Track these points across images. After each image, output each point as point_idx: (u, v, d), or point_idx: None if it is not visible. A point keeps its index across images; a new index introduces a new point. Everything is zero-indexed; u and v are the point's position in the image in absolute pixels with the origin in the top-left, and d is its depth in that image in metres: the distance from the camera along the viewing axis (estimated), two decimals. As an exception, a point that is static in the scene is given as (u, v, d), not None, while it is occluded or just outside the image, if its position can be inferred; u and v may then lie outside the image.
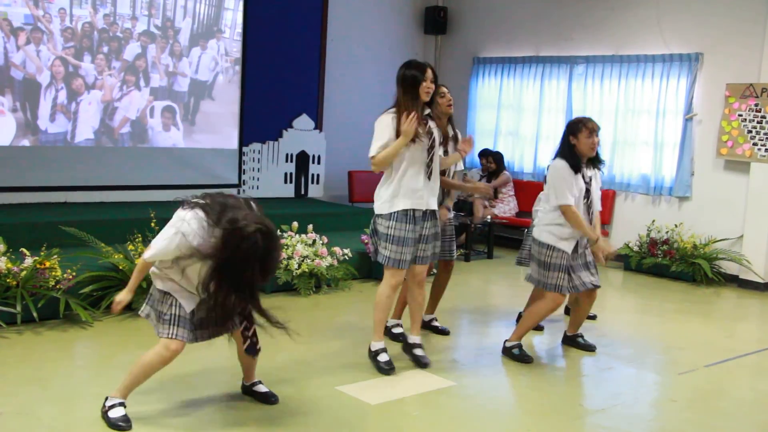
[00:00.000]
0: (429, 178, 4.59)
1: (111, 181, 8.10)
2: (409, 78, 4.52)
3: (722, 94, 8.17)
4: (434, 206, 4.69)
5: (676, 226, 8.40)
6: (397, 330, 5.34)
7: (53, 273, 5.29)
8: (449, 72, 10.76)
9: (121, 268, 5.65)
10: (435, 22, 10.58)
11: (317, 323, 5.79)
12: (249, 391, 4.12)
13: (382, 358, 4.63)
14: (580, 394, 4.66)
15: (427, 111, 4.65)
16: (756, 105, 7.92)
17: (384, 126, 4.51)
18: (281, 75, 9.31)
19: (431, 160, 4.58)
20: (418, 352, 4.82)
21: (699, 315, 6.83)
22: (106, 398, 3.73)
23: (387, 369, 4.58)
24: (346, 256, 6.93)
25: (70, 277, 5.38)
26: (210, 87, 8.75)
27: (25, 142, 7.56)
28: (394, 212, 4.53)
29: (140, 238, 5.91)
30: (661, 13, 8.61)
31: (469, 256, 8.71)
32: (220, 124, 8.86)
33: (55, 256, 5.40)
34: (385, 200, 4.57)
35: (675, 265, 8.07)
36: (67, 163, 7.79)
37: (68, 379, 4.40)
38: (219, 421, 3.87)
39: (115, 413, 3.66)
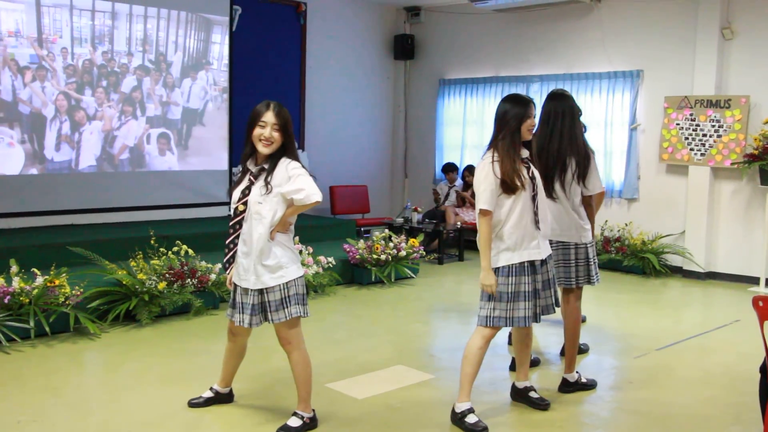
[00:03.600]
0: (537, 227, 3.75)
1: (113, 203, 8.02)
2: (512, 115, 3.71)
3: (661, 105, 8.28)
4: (546, 254, 3.83)
5: (626, 224, 8.49)
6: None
7: (62, 290, 5.23)
8: (417, 93, 10.82)
9: (124, 283, 5.60)
10: (403, 48, 10.62)
11: (306, 327, 5.72)
12: (230, 396, 4.05)
13: (471, 419, 3.70)
14: (547, 379, 4.67)
15: (526, 154, 3.80)
16: (691, 115, 8.03)
17: (485, 176, 3.70)
18: (265, 100, 9.26)
19: (537, 207, 3.76)
20: (533, 395, 4.09)
21: (649, 304, 6.90)
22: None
23: (481, 429, 3.67)
24: (330, 264, 6.92)
25: (78, 293, 5.32)
26: (201, 114, 8.71)
27: (34, 171, 7.47)
28: (502, 267, 3.71)
29: (141, 255, 5.88)
30: (605, 35, 8.72)
31: (442, 260, 8.73)
32: (210, 148, 8.81)
33: (64, 275, 5.34)
34: (504, 250, 3.72)
35: (627, 259, 8.15)
36: (73, 189, 7.71)
37: (79, 388, 4.36)
38: (213, 420, 3.85)
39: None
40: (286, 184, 3.49)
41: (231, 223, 3.58)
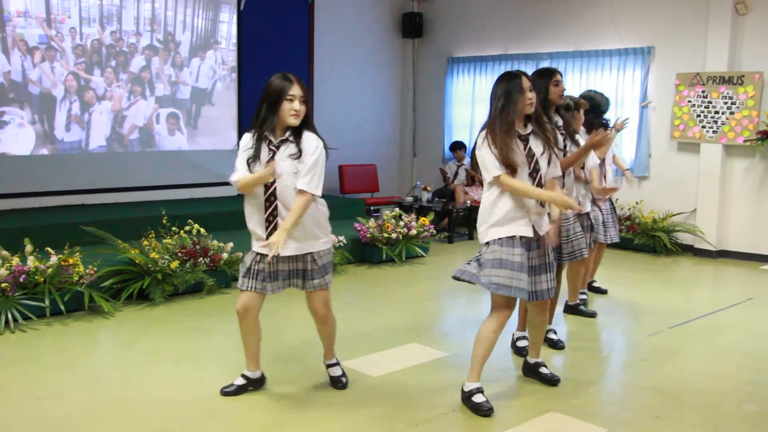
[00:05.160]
0: (540, 204, 3.68)
1: (123, 183, 8.02)
2: (503, 91, 3.61)
3: (673, 82, 8.20)
4: (543, 230, 3.71)
5: (637, 203, 8.44)
6: (522, 343, 4.56)
7: (76, 269, 5.24)
8: (426, 71, 10.74)
9: (137, 262, 5.61)
10: (412, 26, 10.53)
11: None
12: (262, 381, 3.95)
13: (477, 399, 3.68)
14: (560, 358, 4.65)
15: (529, 129, 3.68)
16: (703, 92, 7.95)
17: (484, 148, 3.61)
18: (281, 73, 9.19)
19: (539, 184, 3.65)
20: (544, 370, 4.11)
21: (661, 282, 6.88)
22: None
23: (486, 409, 3.64)
24: (341, 243, 6.91)
25: (92, 272, 5.33)
26: (209, 94, 8.66)
27: (44, 151, 7.46)
28: (502, 238, 3.62)
29: (153, 234, 5.88)
30: (615, 12, 8.61)
31: (452, 238, 8.71)
32: (220, 128, 8.78)
33: (77, 254, 5.35)
34: (492, 225, 3.66)
35: (637, 238, 8.11)
36: (83, 169, 7.71)
37: (96, 365, 4.37)
38: (231, 398, 3.86)
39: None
40: (307, 159, 3.51)
41: (266, 196, 3.52)
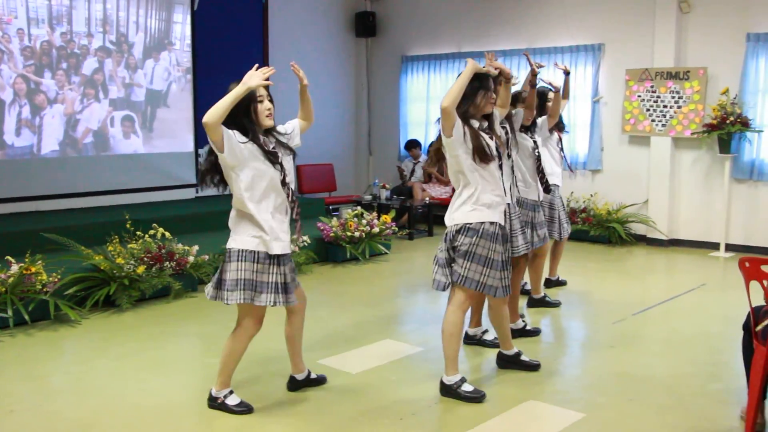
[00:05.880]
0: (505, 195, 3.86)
1: (77, 188, 7.80)
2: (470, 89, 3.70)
3: (623, 78, 8.44)
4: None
5: (591, 195, 8.66)
6: (488, 336, 4.68)
7: (39, 277, 5.10)
8: (380, 70, 10.78)
9: (102, 268, 5.49)
10: (365, 26, 10.55)
11: (288, 305, 5.75)
12: (305, 383, 3.92)
13: (467, 388, 3.77)
14: (533, 348, 4.71)
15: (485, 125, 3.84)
16: (651, 87, 8.21)
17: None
18: (229, 81, 9.01)
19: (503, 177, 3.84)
20: (525, 358, 4.22)
21: (618, 272, 7.08)
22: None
23: (481, 395, 3.76)
24: (305, 243, 6.89)
25: (56, 279, 5.19)
26: (165, 95, 8.51)
27: (-7, 157, 7.23)
28: (481, 223, 3.68)
29: (117, 239, 5.76)
30: (567, 9, 8.81)
31: (412, 235, 8.78)
32: (176, 130, 8.64)
33: (40, 262, 5.20)
34: (467, 211, 3.70)
35: (593, 230, 8.32)
36: (36, 174, 7.47)
37: (66, 375, 4.26)
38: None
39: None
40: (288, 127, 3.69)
41: (294, 198, 3.49)
